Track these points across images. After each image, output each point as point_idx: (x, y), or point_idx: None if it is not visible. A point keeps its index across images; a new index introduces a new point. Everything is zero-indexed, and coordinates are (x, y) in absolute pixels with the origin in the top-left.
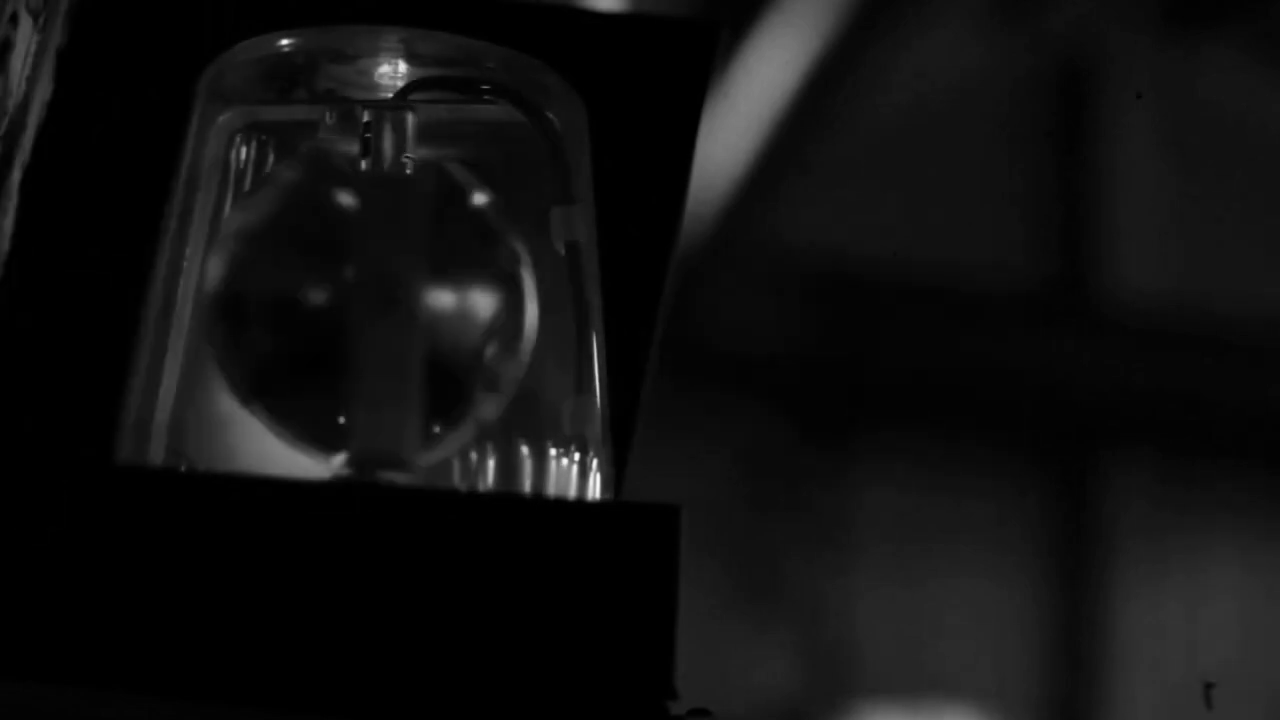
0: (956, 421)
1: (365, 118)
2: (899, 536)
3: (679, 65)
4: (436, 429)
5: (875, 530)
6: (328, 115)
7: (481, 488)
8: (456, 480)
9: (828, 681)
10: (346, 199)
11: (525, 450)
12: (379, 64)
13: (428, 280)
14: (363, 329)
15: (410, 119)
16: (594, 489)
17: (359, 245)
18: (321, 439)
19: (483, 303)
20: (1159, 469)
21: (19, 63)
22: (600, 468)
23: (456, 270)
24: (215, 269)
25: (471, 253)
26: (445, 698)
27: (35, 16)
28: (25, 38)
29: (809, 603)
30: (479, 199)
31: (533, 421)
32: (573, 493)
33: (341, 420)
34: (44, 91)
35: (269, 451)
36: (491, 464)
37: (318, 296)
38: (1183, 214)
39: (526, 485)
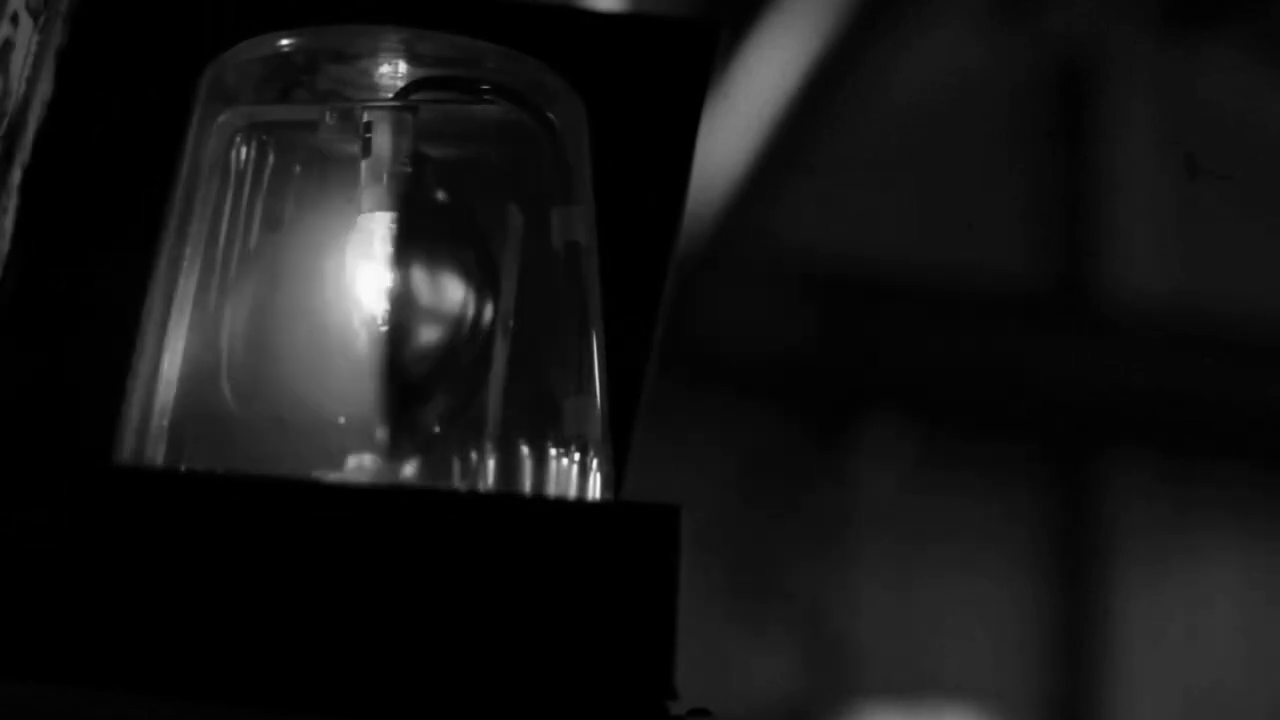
0: (956, 421)
1: (365, 118)
2: (899, 536)
3: (679, 65)
4: (436, 429)
5: (875, 530)
6: (328, 115)
7: (481, 488)
8: (456, 480)
9: (828, 681)
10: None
11: (525, 450)
12: (379, 64)
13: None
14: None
15: (410, 119)
16: (594, 489)
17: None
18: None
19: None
20: (1159, 469)
21: (19, 63)
22: (600, 468)
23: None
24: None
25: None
26: (445, 698)
27: (35, 16)
28: (25, 37)
29: (809, 603)
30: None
31: (533, 421)
32: (573, 493)
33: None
34: (44, 91)
35: (269, 451)
36: (491, 464)
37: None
38: (1183, 214)
39: (526, 485)
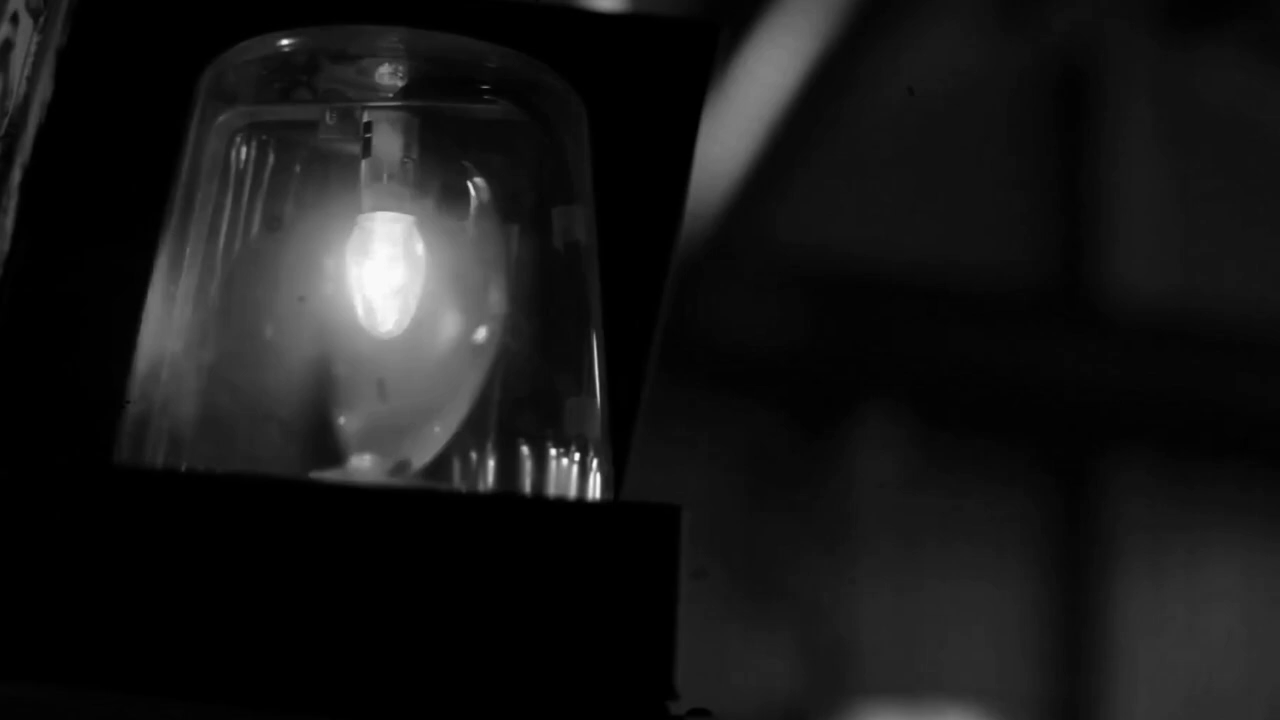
0: (957, 421)
1: (365, 118)
2: (899, 536)
3: (679, 65)
4: (437, 429)
5: (875, 530)
6: (328, 115)
7: (481, 488)
8: (456, 480)
9: (828, 681)
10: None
11: (525, 450)
12: (379, 64)
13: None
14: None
15: (410, 119)
16: (594, 489)
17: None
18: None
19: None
20: (1159, 469)
21: (19, 63)
22: (600, 468)
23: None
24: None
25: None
26: (445, 698)
27: (35, 16)
28: (25, 38)
29: (809, 602)
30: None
31: (533, 421)
32: (573, 493)
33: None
34: (44, 91)
35: (269, 451)
36: (491, 464)
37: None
38: (1183, 214)
39: (526, 485)
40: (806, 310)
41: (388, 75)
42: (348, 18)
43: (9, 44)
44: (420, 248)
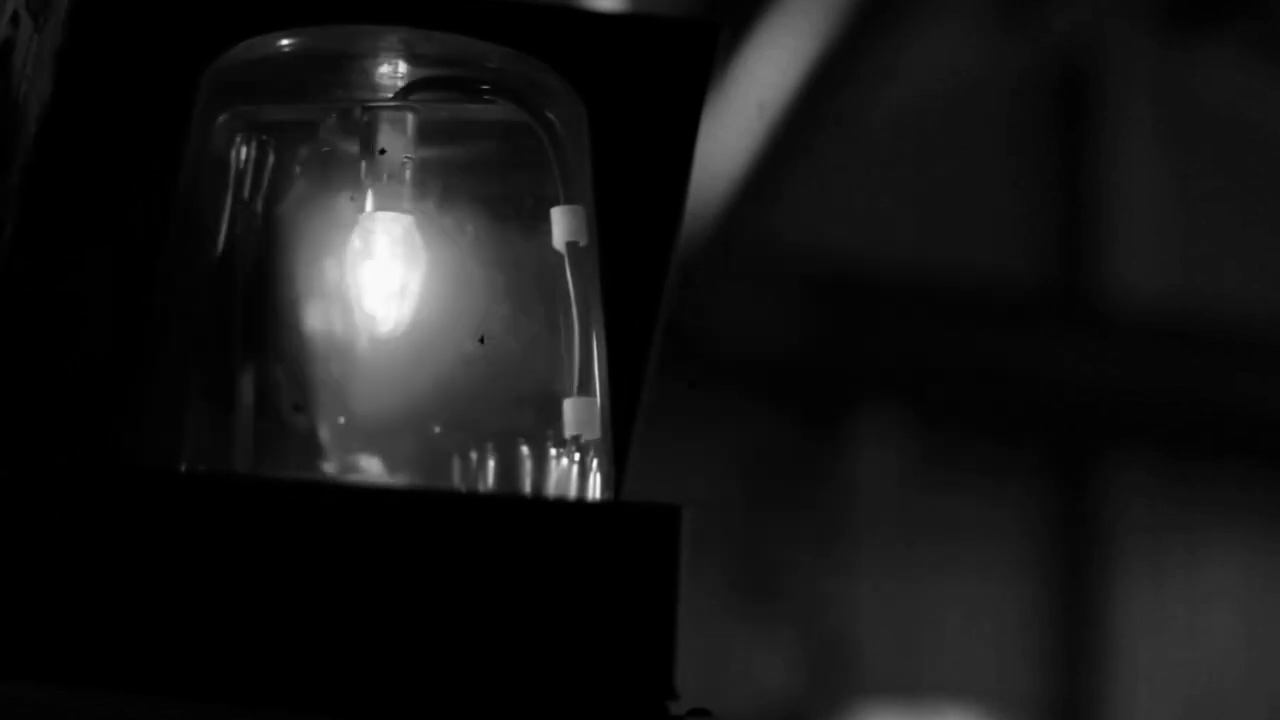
0: (956, 421)
1: (365, 118)
2: (899, 536)
3: (679, 65)
4: (436, 429)
5: (875, 530)
6: (328, 115)
7: (481, 488)
8: (456, 480)
9: (828, 681)
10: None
11: (525, 450)
12: (379, 64)
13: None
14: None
15: (410, 119)
16: (594, 489)
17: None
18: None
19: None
20: (1159, 469)
21: (19, 63)
22: (600, 468)
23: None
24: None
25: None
26: (445, 698)
27: (35, 16)
28: (25, 38)
29: (809, 602)
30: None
31: (533, 421)
32: (573, 493)
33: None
34: (44, 91)
35: (269, 451)
36: (491, 464)
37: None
38: (1183, 214)
39: (526, 485)
40: (806, 310)
41: (388, 75)
42: (348, 18)
43: (9, 44)
44: (420, 248)
